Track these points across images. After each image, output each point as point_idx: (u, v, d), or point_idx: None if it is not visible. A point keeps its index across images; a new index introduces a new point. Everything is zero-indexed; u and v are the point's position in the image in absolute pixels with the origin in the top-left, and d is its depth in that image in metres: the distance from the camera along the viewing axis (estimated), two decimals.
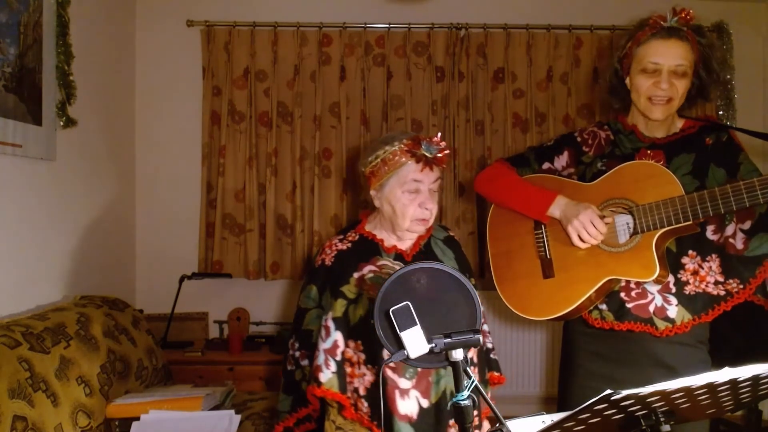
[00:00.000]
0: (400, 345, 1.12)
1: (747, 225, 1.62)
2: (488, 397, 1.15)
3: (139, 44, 3.44)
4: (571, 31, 3.47)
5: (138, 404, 2.11)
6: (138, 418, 2.05)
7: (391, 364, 1.58)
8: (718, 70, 1.69)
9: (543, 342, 3.55)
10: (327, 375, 1.62)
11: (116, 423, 2.10)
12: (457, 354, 1.10)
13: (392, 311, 1.12)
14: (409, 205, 1.65)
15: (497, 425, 1.09)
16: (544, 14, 3.47)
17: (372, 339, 1.58)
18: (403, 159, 1.64)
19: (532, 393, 3.54)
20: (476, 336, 1.10)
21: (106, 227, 3.06)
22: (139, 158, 3.45)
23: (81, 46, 2.64)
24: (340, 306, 1.66)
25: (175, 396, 2.20)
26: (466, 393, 1.09)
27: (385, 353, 1.55)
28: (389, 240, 1.74)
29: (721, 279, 1.64)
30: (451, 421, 1.61)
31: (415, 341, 1.10)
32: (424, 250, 1.74)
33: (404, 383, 1.60)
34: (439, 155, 1.64)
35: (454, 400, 1.10)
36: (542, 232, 1.82)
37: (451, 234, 1.84)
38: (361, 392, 1.62)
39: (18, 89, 2.25)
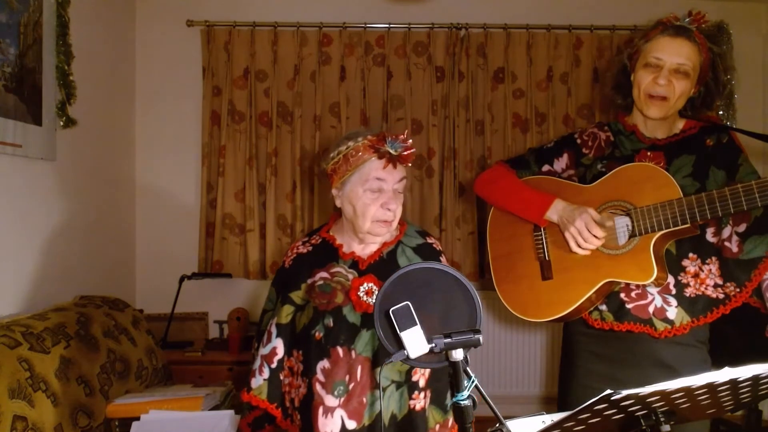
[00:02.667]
0: (400, 345, 1.12)
1: (742, 228, 1.62)
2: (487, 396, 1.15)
3: (139, 44, 3.44)
4: (571, 31, 3.47)
5: (138, 404, 2.11)
6: (138, 418, 2.05)
7: (321, 379, 1.53)
8: (725, 81, 1.68)
9: (543, 342, 3.55)
10: (258, 381, 1.59)
11: (116, 423, 2.10)
12: (457, 354, 1.10)
13: (392, 311, 1.12)
14: (370, 204, 1.55)
15: (497, 425, 1.09)
16: (544, 14, 3.47)
17: (309, 350, 1.54)
18: (366, 155, 1.54)
19: (532, 393, 3.54)
20: (476, 336, 1.10)
21: (106, 227, 3.07)
22: (139, 158, 3.45)
23: (81, 46, 2.65)
24: (286, 312, 1.61)
25: (175, 396, 2.20)
26: (466, 393, 1.09)
27: (319, 367, 1.53)
28: (349, 245, 1.64)
29: (720, 282, 1.63)
30: None
31: (415, 341, 1.10)
32: (386, 258, 1.62)
33: (331, 401, 1.52)
34: (404, 153, 1.54)
35: (455, 400, 1.09)
36: (541, 234, 1.81)
37: (430, 242, 1.70)
38: (296, 404, 1.58)
39: (18, 89, 2.25)
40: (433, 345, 1.10)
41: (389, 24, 3.44)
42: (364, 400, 1.53)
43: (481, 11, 3.48)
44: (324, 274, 1.61)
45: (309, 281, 1.62)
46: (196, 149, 3.45)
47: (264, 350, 1.61)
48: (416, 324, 1.11)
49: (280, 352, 1.59)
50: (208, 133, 3.41)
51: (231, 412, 2.12)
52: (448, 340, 1.10)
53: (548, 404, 3.46)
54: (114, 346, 2.29)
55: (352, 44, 3.44)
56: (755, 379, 1.03)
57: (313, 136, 3.41)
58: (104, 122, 3.04)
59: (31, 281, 2.40)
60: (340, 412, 1.51)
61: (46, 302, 2.41)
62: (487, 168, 2.04)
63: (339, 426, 1.51)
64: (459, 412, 1.09)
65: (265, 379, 1.59)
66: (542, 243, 1.81)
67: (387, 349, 1.18)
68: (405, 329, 1.11)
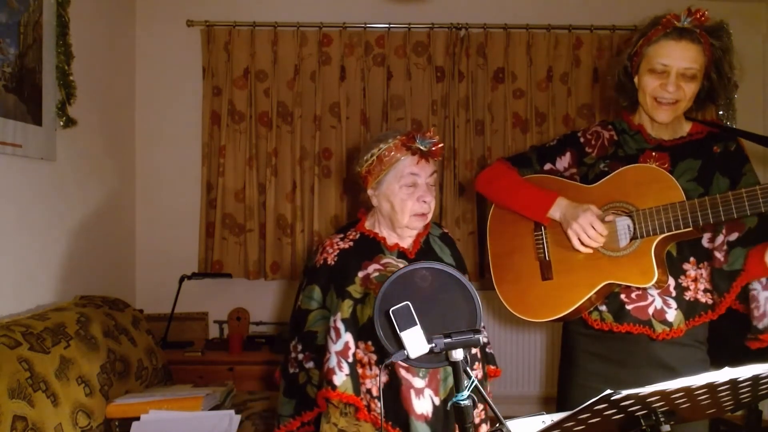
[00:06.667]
0: (400, 345, 1.12)
1: (734, 236, 1.62)
2: (488, 396, 1.15)
3: (139, 44, 3.44)
4: (571, 31, 3.47)
5: (138, 404, 2.11)
6: (138, 418, 2.05)
7: (404, 364, 1.57)
8: (729, 74, 1.66)
9: (542, 342, 3.56)
10: (341, 378, 1.59)
11: (116, 423, 2.10)
12: (457, 354, 1.10)
13: (392, 311, 1.12)
14: (407, 199, 1.65)
15: (497, 425, 1.09)
16: (544, 14, 3.47)
17: None
18: (399, 154, 1.65)
19: (532, 393, 3.54)
20: (476, 336, 1.11)
21: (106, 227, 3.06)
22: (139, 158, 3.45)
23: (81, 46, 2.64)
24: (347, 306, 1.64)
25: (175, 396, 2.20)
26: (466, 393, 1.09)
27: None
28: (390, 238, 1.73)
29: (709, 287, 1.65)
30: None
31: (415, 341, 1.10)
32: (425, 248, 1.74)
33: (418, 382, 1.60)
34: (434, 148, 1.65)
35: (454, 399, 1.10)
36: (542, 234, 1.81)
37: (446, 231, 1.86)
38: (375, 393, 1.61)
39: (18, 89, 2.25)
40: (433, 345, 1.10)
41: (389, 24, 3.44)
42: (439, 376, 1.62)
43: (481, 11, 3.48)
44: (376, 266, 1.68)
45: (361, 274, 1.66)
46: (196, 149, 3.45)
47: (336, 347, 1.62)
48: (416, 324, 1.11)
49: (353, 346, 1.62)
50: (208, 133, 3.40)
51: (231, 412, 2.12)
52: (448, 340, 1.10)
53: (548, 404, 3.46)
54: (114, 346, 2.29)
55: (352, 44, 3.43)
56: (755, 379, 1.03)
57: (313, 136, 3.40)
58: (104, 122, 3.04)
59: (32, 281, 2.40)
60: (428, 392, 1.60)
61: (46, 302, 2.41)
62: (487, 166, 2.03)
63: (431, 404, 1.60)
64: (459, 412, 1.09)
65: (347, 375, 1.60)
66: (542, 243, 1.80)
67: (387, 349, 1.18)
68: (405, 329, 1.11)
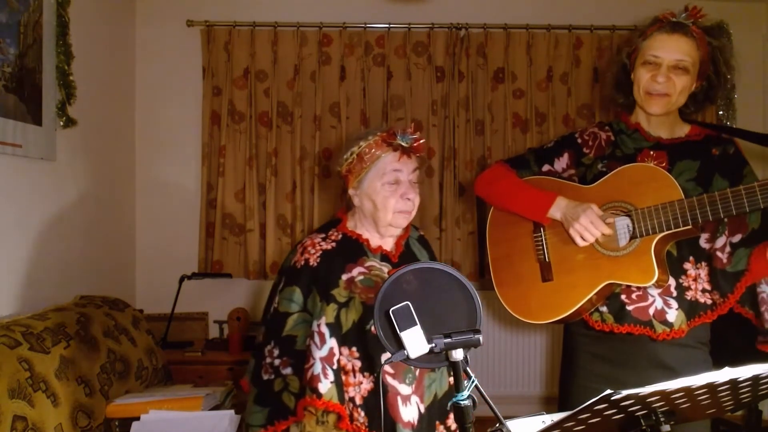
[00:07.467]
0: (400, 345, 1.12)
1: (737, 238, 1.62)
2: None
3: (139, 44, 3.44)
4: (571, 31, 3.47)
5: (138, 404, 2.11)
6: (138, 418, 2.05)
7: (391, 371, 1.55)
8: (726, 74, 1.67)
9: (543, 342, 3.55)
10: (326, 385, 1.51)
11: (116, 423, 2.10)
12: (457, 354, 1.10)
13: (392, 311, 1.12)
14: (390, 197, 1.60)
15: (497, 425, 1.09)
16: (544, 14, 3.47)
17: (368, 345, 1.55)
18: (379, 151, 1.61)
19: (533, 393, 3.54)
20: (476, 336, 1.10)
21: (106, 227, 3.07)
22: (139, 158, 3.45)
23: (81, 46, 2.65)
24: (331, 311, 1.57)
25: (175, 396, 2.20)
26: (466, 393, 1.09)
27: (384, 358, 1.52)
28: (373, 239, 1.68)
29: (708, 288, 1.65)
30: (437, 422, 1.61)
31: (415, 341, 1.10)
32: (406, 251, 1.72)
33: (405, 389, 1.56)
34: (415, 144, 1.63)
35: (455, 399, 1.09)
36: (541, 236, 1.81)
37: (422, 233, 1.85)
38: (358, 401, 1.55)
39: (18, 89, 2.25)
40: (433, 345, 1.10)
41: (389, 24, 3.44)
42: (424, 382, 1.60)
43: (481, 11, 3.48)
44: (360, 269, 1.63)
45: (345, 277, 1.61)
46: (196, 149, 3.45)
47: (321, 353, 1.54)
48: (416, 324, 1.10)
49: (337, 352, 1.56)
50: (208, 133, 3.41)
51: (231, 412, 2.12)
52: (448, 340, 1.09)
53: (548, 404, 3.46)
54: (114, 346, 2.29)
55: (352, 44, 3.43)
56: (755, 379, 1.03)
57: (313, 136, 3.41)
58: (104, 122, 3.04)
59: (31, 281, 2.40)
60: (415, 399, 1.58)
61: (46, 302, 2.41)
62: (486, 168, 2.03)
63: (417, 411, 1.57)
64: (459, 412, 1.09)
65: (332, 382, 1.52)
66: (542, 244, 1.80)
67: (387, 349, 1.18)
68: (405, 329, 1.10)
